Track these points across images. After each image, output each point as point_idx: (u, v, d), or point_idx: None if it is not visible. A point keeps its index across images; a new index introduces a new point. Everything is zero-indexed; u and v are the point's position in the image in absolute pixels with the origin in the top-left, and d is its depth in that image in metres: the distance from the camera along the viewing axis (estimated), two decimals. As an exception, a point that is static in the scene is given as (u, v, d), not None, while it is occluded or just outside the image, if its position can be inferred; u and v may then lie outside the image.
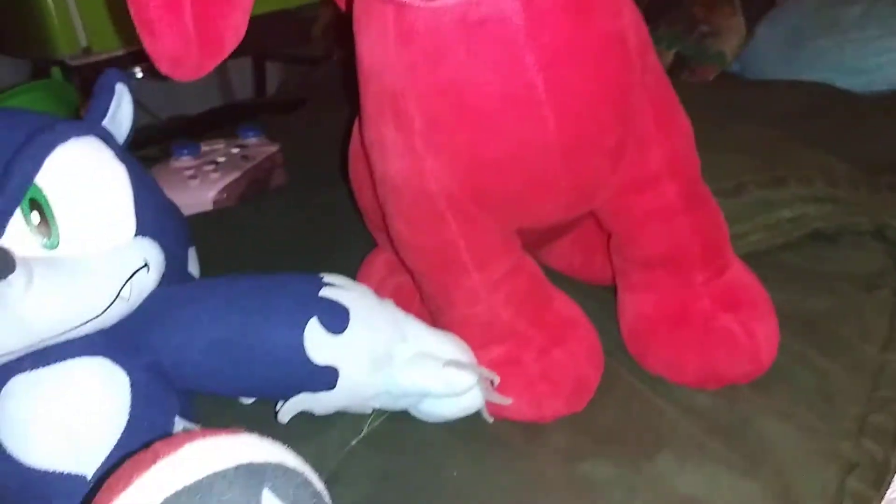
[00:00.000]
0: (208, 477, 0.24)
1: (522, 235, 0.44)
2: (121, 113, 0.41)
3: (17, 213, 0.33)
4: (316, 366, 0.37)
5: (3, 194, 0.32)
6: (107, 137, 0.38)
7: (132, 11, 0.33)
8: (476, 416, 0.42)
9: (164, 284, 0.39)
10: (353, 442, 0.41)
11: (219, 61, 0.36)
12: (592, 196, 0.41)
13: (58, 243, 0.34)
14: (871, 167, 0.64)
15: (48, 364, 0.34)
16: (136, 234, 0.37)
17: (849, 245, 0.56)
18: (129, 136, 0.41)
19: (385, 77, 0.37)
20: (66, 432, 0.33)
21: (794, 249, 0.55)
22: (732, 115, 0.71)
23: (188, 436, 0.26)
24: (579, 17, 0.35)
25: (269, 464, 0.25)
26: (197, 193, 0.66)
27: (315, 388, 0.39)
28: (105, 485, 0.25)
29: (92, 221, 0.35)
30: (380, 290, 0.43)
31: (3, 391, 0.33)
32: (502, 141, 0.36)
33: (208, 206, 0.66)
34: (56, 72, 0.82)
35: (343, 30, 0.41)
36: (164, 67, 0.34)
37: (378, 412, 0.42)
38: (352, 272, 0.51)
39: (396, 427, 0.42)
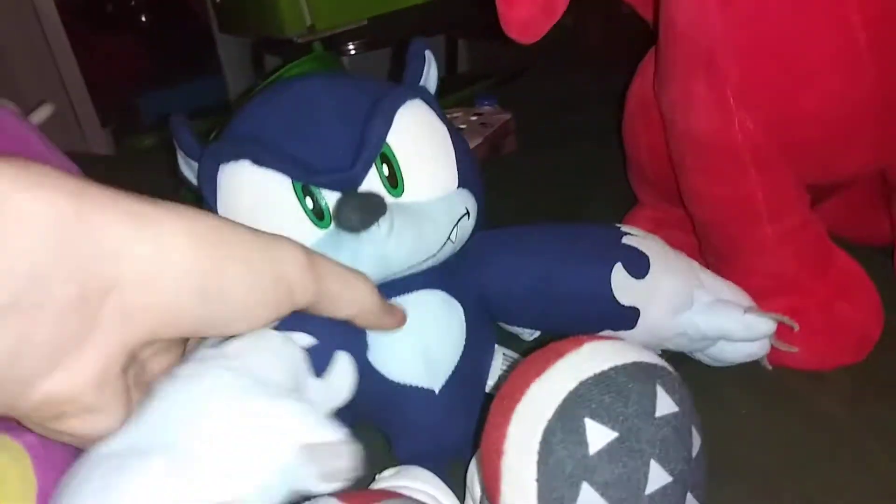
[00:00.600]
0: (613, 368, 0.27)
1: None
2: (429, 78, 0.46)
3: (372, 166, 0.37)
4: (621, 306, 0.40)
5: (366, 150, 0.36)
6: (428, 99, 0.42)
7: None
8: (755, 364, 0.44)
9: (476, 230, 0.43)
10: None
11: (553, 23, 0.40)
12: (895, 152, 0.42)
13: (402, 192, 0.38)
14: None
15: (401, 294, 0.39)
16: (458, 186, 0.41)
17: None
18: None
19: (701, 36, 0.40)
20: (421, 352, 0.38)
21: None
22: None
23: (584, 338, 0.29)
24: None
25: (657, 364, 0.28)
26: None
27: (617, 327, 0.42)
28: (514, 374, 0.28)
29: (428, 173, 0.39)
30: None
31: None
32: (821, 95, 0.38)
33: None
34: (317, 46, 0.89)
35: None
36: (514, 32, 0.38)
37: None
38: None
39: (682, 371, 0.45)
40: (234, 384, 0.27)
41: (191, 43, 1.24)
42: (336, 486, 0.25)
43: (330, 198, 0.36)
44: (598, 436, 0.25)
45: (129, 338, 0.25)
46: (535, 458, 0.25)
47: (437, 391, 0.38)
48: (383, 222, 0.35)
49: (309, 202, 0.36)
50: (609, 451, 0.25)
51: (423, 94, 0.41)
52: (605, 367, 0.27)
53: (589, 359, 0.27)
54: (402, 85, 0.41)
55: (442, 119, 0.42)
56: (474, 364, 0.40)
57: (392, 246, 0.36)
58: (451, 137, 0.42)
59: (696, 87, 0.41)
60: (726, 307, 0.41)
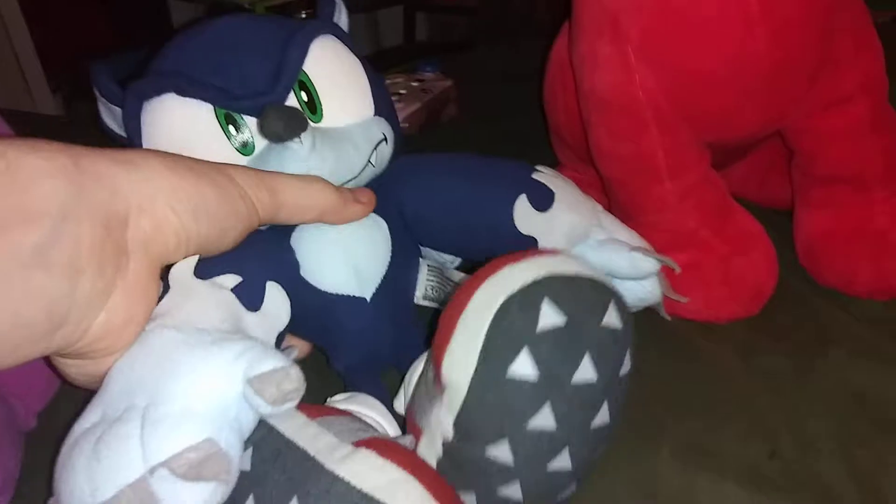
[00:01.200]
0: (580, 275, 0.29)
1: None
2: (341, 19, 0.47)
3: (291, 93, 0.39)
4: (520, 234, 0.42)
5: (284, 75, 0.39)
6: (341, 35, 0.44)
7: None
8: (653, 314, 0.47)
9: (393, 158, 0.45)
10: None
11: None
12: (787, 113, 0.44)
13: (321, 118, 0.40)
14: None
15: None
16: (374, 114, 0.43)
17: None
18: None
19: (605, -4, 0.42)
20: (352, 264, 0.40)
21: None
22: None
23: (523, 252, 0.31)
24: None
25: (616, 291, 0.30)
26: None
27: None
28: (497, 259, 0.30)
29: (345, 99, 0.42)
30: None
31: (296, 236, 0.40)
32: (714, 56, 0.40)
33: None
34: (260, 7, 0.90)
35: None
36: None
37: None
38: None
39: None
40: (177, 338, 0.29)
41: (144, 9, 1.23)
42: (287, 406, 0.28)
43: (253, 127, 0.38)
44: (550, 316, 0.28)
45: (154, 259, 0.30)
46: (491, 315, 0.28)
47: (368, 299, 0.40)
48: (305, 138, 0.37)
49: (232, 130, 0.38)
50: (554, 332, 0.28)
51: (335, 31, 0.44)
52: (575, 271, 0.30)
53: (562, 263, 0.30)
54: (315, 20, 0.43)
55: (355, 54, 0.44)
56: (401, 274, 0.43)
57: (315, 162, 0.38)
58: (365, 69, 0.44)
59: (601, 45, 0.43)
60: (615, 243, 0.42)
